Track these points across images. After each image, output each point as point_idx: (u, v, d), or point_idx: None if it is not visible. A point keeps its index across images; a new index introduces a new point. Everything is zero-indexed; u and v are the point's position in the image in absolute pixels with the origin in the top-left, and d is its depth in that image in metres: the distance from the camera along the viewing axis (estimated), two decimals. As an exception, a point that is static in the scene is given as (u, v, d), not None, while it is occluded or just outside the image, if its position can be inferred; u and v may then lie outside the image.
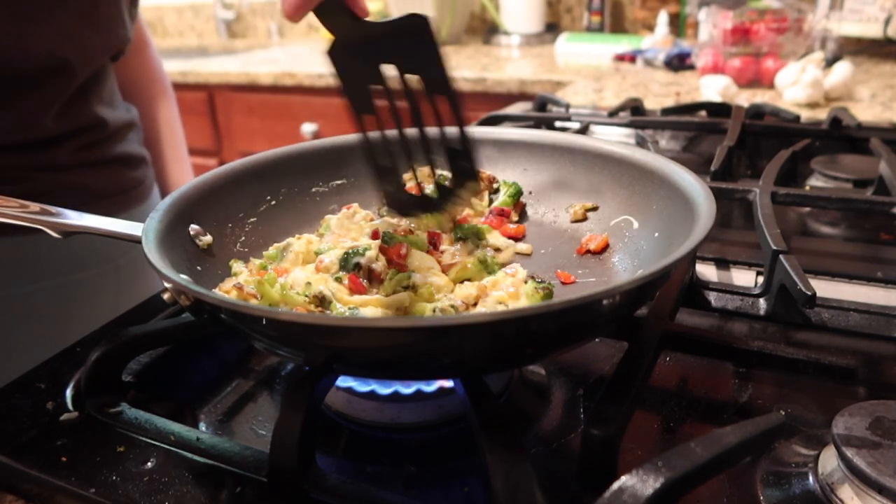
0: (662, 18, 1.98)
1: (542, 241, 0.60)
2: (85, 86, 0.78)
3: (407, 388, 0.46)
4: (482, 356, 0.40)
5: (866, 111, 1.26)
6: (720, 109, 1.16)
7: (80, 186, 0.79)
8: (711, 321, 0.59)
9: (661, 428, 0.46)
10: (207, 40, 3.08)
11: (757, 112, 1.13)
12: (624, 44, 2.00)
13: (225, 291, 0.48)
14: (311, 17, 0.46)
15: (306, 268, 0.52)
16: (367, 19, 0.46)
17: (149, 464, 0.43)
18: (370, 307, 0.48)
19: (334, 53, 0.48)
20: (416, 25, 0.45)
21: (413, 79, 0.47)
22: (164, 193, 0.53)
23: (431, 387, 0.46)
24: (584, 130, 1.06)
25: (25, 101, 0.72)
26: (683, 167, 0.53)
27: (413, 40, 0.46)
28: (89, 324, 0.59)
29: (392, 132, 0.49)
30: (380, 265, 0.50)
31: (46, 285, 0.79)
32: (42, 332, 0.77)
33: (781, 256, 0.57)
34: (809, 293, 0.52)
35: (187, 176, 1.07)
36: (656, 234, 0.53)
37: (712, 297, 0.61)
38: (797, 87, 1.33)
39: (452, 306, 0.47)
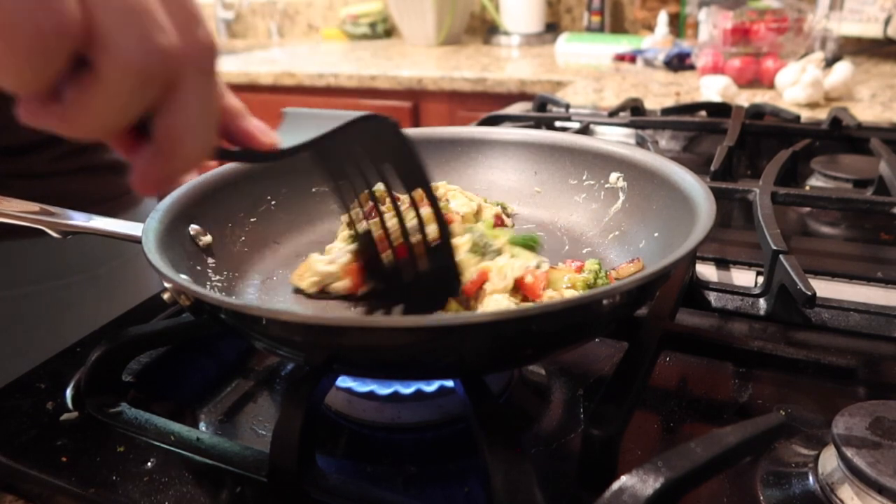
0: (662, 18, 1.98)
1: (547, 241, 0.60)
2: None
3: (407, 389, 0.46)
4: (482, 356, 0.40)
5: (866, 111, 1.26)
6: (720, 109, 1.16)
7: (61, 193, 0.76)
8: (711, 321, 0.59)
9: (661, 428, 0.46)
10: (207, 40, 3.07)
11: (757, 112, 1.13)
12: (624, 44, 2.00)
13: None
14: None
15: None
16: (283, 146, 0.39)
17: (149, 464, 0.43)
18: None
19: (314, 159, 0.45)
20: (378, 128, 0.41)
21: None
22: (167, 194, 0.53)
23: (431, 387, 0.46)
24: (584, 130, 1.06)
25: None
26: (683, 167, 0.53)
27: (377, 140, 0.43)
28: (70, 333, 0.58)
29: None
30: None
31: (24, 292, 0.77)
32: (20, 340, 0.75)
33: (781, 256, 0.57)
34: (809, 293, 0.52)
35: (191, 176, 1.06)
36: (656, 234, 0.53)
37: (712, 297, 0.61)
38: (797, 87, 1.33)
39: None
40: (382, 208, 0.49)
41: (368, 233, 0.49)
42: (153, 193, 0.33)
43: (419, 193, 0.45)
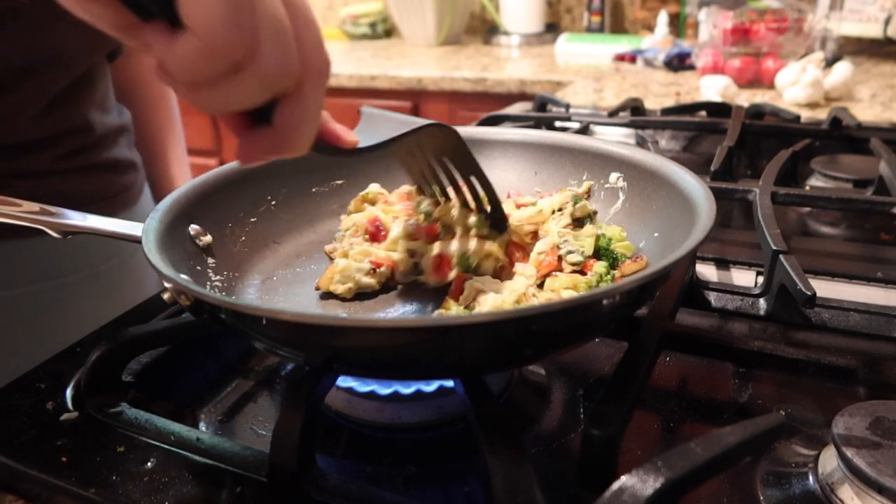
0: (662, 18, 1.98)
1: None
2: (73, 87, 0.75)
3: (407, 389, 0.46)
4: (482, 356, 0.40)
5: (866, 111, 1.26)
6: (720, 109, 1.16)
7: (61, 192, 0.76)
8: (711, 321, 0.59)
9: (661, 428, 0.46)
10: (207, 40, 3.07)
11: (757, 112, 1.13)
12: (624, 44, 2.00)
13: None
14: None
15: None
16: (366, 143, 0.47)
17: (149, 464, 0.43)
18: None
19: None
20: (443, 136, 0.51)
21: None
22: (163, 194, 0.53)
23: (431, 387, 0.46)
24: (584, 130, 1.06)
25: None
26: (683, 167, 0.53)
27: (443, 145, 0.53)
28: (69, 331, 0.58)
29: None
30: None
31: (23, 292, 0.77)
32: (19, 339, 0.75)
33: (781, 256, 0.57)
34: (809, 293, 0.52)
35: (186, 177, 1.06)
36: (656, 234, 0.53)
37: (712, 297, 0.61)
38: (797, 87, 1.33)
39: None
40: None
41: (436, 199, 0.58)
42: (252, 163, 0.40)
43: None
